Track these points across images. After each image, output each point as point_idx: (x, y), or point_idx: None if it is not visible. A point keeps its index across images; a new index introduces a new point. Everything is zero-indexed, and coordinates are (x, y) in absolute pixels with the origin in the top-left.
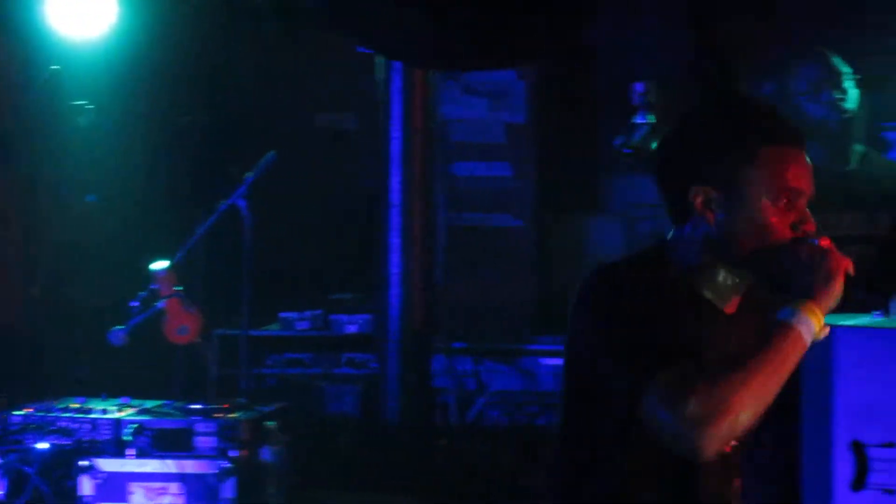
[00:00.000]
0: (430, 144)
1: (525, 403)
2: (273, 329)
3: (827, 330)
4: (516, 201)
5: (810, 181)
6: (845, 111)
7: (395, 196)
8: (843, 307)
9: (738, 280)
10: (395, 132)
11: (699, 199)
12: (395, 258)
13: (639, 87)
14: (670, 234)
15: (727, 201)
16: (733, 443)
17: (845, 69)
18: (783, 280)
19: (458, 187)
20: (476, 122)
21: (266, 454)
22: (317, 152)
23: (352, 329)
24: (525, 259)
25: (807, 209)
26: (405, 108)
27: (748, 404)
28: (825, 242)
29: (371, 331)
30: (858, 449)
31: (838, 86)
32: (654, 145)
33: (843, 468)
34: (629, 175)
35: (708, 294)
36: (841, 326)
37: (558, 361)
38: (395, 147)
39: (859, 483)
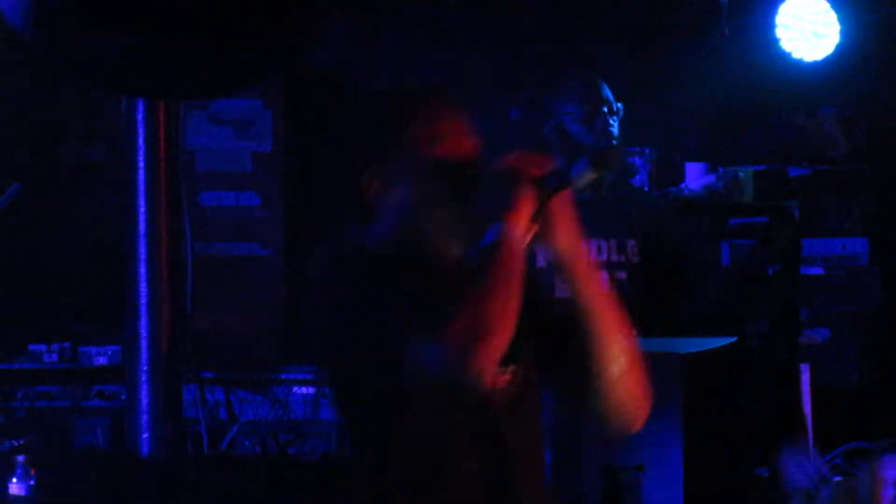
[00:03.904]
0: (175, 174)
1: (277, 432)
2: (22, 362)
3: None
4: (264, 230)
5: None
6: (612, 136)
7: (142, 226)
8: None
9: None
10: (140, 162)
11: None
12: (143, 288)
13: None
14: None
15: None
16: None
17: (612, 97)
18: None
19: (205, 217)
20: (222, 152)
21: (15, 488)
22: (63, 183)
23: (101, 361)
24: (274, 288)
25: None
26: (149, 137)
27: (498, 316)
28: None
29: (121, 362)
30: (609, 473)
31: (611, 113)
32: None
33: (594, 492)
34: None
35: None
36: None
37: (310, 390)
38: (141, 177)
39: None
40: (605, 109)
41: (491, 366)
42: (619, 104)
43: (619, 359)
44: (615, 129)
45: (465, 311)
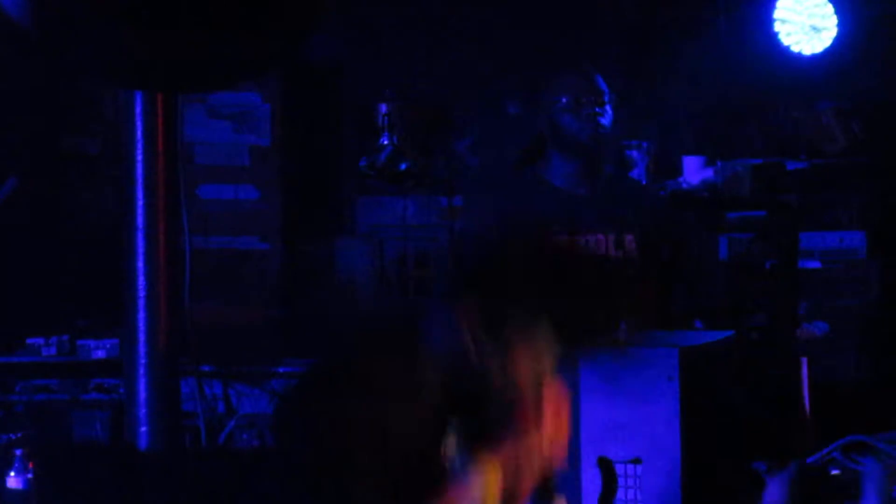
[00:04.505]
0: (174, 168)
1: None
2: (21, 355)
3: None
4: (263, 224)
5: None
6: (601, 126)
7: (140, 220)
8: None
9: None
10: (138, 155)
11: None
12: (141, 282)
13: (383, 107)
14: None
15: None
16: None
17: (604, 87)
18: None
19: (203, 210)
20: (221, 145)
21: (13, 481)
22: (61, 176)
23: (99, 354)
24: (273, 282)
25: None
26: (147, 130)
27: None
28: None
29: (119, 355)
30: (606, 464)
31: (599, 103)
32: (401, 166)
33: (592, 484)
34: (375, 196)
35: None
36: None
37: None
38: (139, 170)
39: (608, 498)
40: (593, 98)
41: None
42: (612, 94)
43: None
44: (605, 119)
45: None
